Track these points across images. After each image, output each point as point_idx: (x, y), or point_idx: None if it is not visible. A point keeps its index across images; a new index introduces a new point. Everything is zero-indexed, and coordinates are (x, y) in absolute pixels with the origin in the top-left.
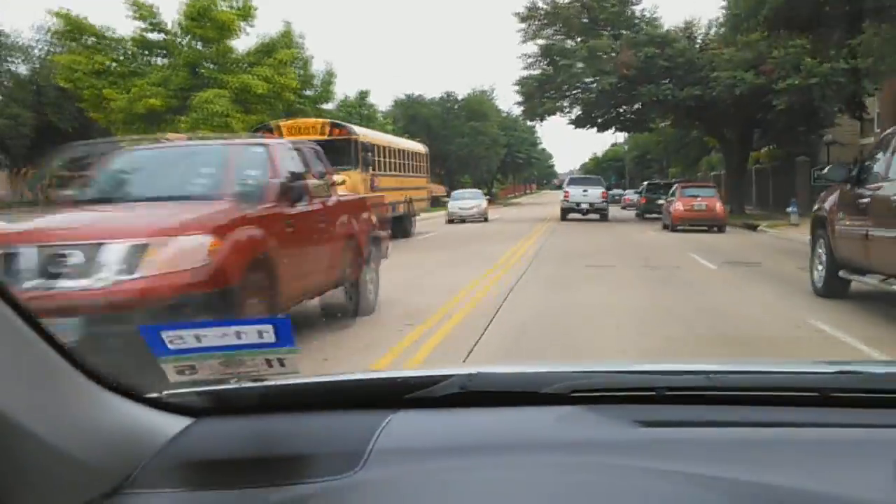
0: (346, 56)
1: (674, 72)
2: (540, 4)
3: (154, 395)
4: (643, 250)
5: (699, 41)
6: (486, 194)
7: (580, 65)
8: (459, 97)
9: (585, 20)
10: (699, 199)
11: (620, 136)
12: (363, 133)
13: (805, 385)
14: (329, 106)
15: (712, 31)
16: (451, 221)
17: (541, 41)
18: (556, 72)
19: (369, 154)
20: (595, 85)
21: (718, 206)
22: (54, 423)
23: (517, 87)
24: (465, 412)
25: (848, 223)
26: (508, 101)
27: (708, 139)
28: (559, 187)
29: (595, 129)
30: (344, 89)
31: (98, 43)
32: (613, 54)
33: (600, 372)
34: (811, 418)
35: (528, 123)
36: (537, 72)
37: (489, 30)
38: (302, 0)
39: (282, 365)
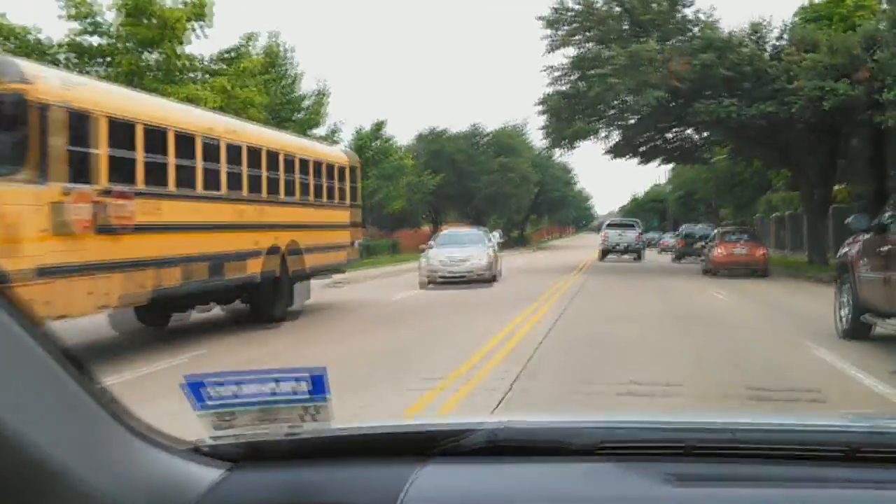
0: (367, 87)
1: (738, 84)
2: (570, 4)
3: (191, 444)
4: (720, 334)
5: (770, 46)
6: (514, 235)
7: (616, 78)
8: (487, 131)
9: (626, 26)
10: (741, 243)
11: (664, 171)
12: (60, 84)
13: (834, 441)
14: (319, 131)
15: (786, 36)
16: (430, 283)
17: (571, 50)
18: (589, 86)
19: (84, 138)
20: (637, 102)
21: (760, 250)
22: (93, 473)
23: (540, 107)
24: (494, 465)
25: (871, 269)
26: (540, 136)
27: (774, 173)
28: (597, 230)
29: (637, 159)
30: (362, 121)
31: (18, 47)
32: (660, 64)
33: (628, 426)
34: (841, 475)
35: (556, 153)
36: (566, 87)
37: (521, 63)
38: (324, 28)
39: (316, 416)
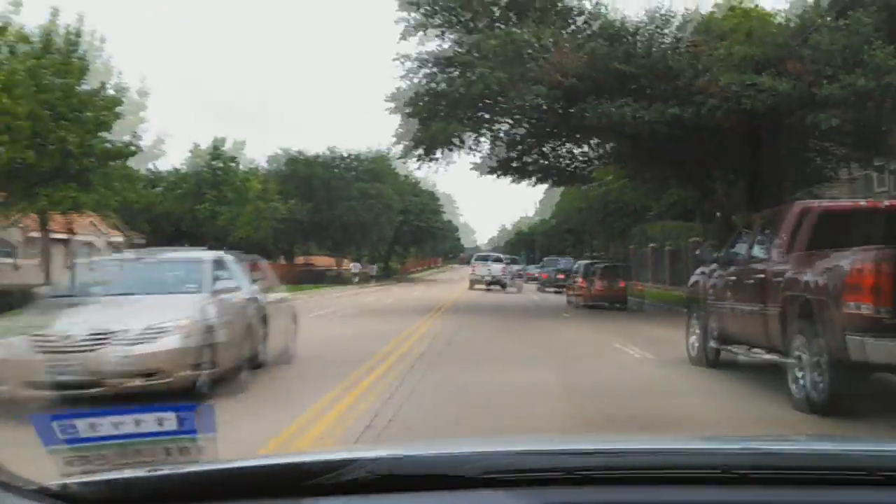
0: (218, 104)
1: (636, 80)
2: None
3: (35, 486)
4: None
5: (671, 37)
6: (379, 267)
7: (486, 68)
8: (346, 154)
9: (497, 11)
10: (602, 276)
11: (533, 204)
12: None
13: (709, 464)
14: (121, 134)
15: (690, 27)
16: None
17: (433, 38)
18: (451, 81)
19: None
20: (513, 100)
21: (620, 283)
22: None
23: (390, 105)
24: (373, 499)
25: (717, 299)
26: (394, 141)
27: (654, 201)
28: (467, 262)
29: (511, 177)
30: (201, 140)
31: None
32: (540, 55)
33: (511, 454)
34: (715, 497)
35: (412, 169)
36: (424, 81)
37: (385, 82)
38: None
39: (182, 453)
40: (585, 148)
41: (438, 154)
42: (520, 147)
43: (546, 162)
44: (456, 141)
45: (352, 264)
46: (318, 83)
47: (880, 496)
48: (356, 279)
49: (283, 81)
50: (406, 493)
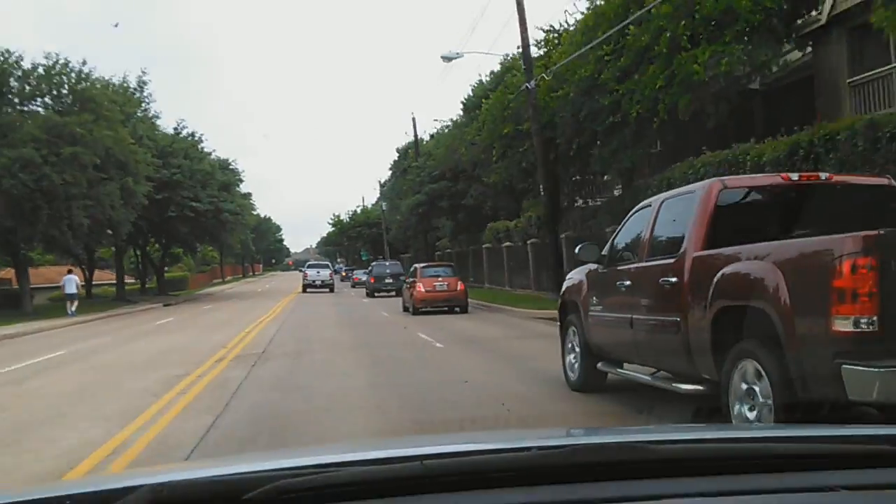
0: None
1: None
2: None
3: None
4: None
5: None
6: (153, 279)
7: None
8: (34, 64)
9: None
10: (440, 279)
11: (371, 192)
12: None
13: (517, 464)
14: None
15: None
16: None
17: None
18: None
19: None
20: None
21: (459, 285)
22: None
23: None
24: None
25: (605, 309)
26: (181, 108)
27: None
28: (298, 268)
29: None
30: None
31: None
32: None
33: (308, 468)
34: (527, 499)
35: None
36: None
37: None
38: None
39: None
40: None
41: None
42: None
43: None
44: None
45: (64, 277)
46: None
47: (729, 484)
48: (73, 305)
49: None
50: None
